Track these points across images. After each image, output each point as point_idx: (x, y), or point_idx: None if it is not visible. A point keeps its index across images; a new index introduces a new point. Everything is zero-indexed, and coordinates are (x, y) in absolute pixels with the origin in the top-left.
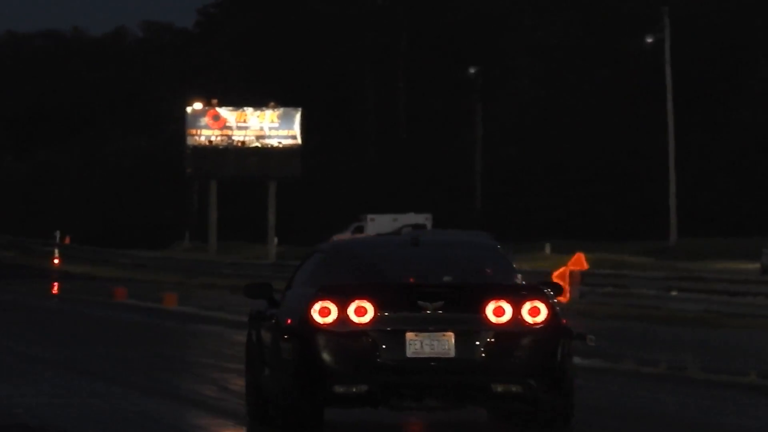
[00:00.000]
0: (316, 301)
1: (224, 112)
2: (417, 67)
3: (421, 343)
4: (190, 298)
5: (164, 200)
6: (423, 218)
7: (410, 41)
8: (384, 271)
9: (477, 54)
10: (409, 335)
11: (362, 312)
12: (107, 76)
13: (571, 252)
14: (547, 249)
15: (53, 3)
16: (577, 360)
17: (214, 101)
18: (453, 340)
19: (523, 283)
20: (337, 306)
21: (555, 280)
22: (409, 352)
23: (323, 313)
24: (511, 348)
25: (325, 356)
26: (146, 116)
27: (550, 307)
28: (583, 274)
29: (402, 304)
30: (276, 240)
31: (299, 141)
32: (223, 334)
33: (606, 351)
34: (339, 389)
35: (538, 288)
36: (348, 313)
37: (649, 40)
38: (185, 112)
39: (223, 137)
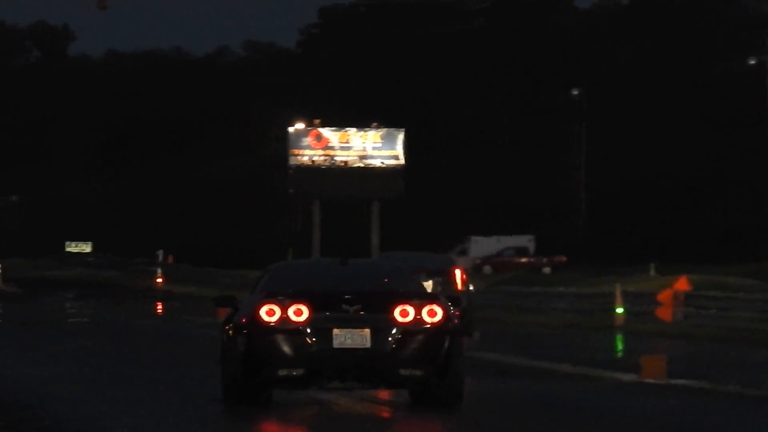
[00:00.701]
0: (263, 305)
1: (327, 132)
2: (519, 87)
3: (345, 337)
4: None
5: (267, 220)
6: (526, 240)
7: (512, 61)
8: (317, 283)
9: (580, 75)
10: (336, 331)
11: (299, 313)
12: (209, 95)
13: (676, 273)
14: (652, 270)
15: (155, 23)
16: (680, 381)
17: (317, 121)
18: (369, 335)
19: (424, 291)
20: (279, 308)
21: (660, 299)
22: (335, 343)
23: (269, 313)
24: (414, 341)
25: (270, 347)
26: (247, 136)
27: (445, 311)
28: (687, 296)
29: (330, 307)
30: None
31: (402, 161)
32: None
33: (708, 373)
34: (282, 372)
35: (436, 296)
36: (288, 313)
37: (752, 62)
38: (287, 132)
39: (326, 157)
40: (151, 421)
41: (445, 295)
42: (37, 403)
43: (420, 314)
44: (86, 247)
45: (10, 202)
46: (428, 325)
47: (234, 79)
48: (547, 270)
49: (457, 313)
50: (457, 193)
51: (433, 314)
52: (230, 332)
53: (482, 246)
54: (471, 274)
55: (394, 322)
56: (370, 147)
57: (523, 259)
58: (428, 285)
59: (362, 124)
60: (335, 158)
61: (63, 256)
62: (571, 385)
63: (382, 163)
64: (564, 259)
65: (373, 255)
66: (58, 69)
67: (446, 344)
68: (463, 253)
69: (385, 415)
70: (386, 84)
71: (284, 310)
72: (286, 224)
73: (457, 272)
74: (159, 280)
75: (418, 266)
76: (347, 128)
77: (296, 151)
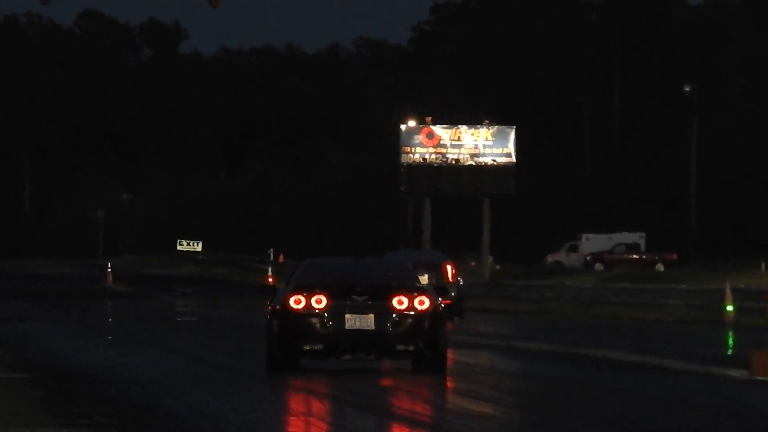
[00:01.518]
0: (292, 295)
1: (438, 129)
2: (632, 84)
3: (354, 320)
4: None
5: (378, 217)
6: (637, 237)
7: (625, 57)
8: (335, 277)
9: (692, 70)
10: (347, 316)
11: (320, 302)
12: (321, 92)
13: None
14: (763, 267)
15: (268, 20)
16: None
17: (428, 119)
18: (373, 319)
19: (417, 285)
20: (305, 298)
21: None
22: (347, 325)
23: (296, 302)
24: (407, 324)
25: (297, 328)
26: (360, 132)
27: (432, 300)
28: None
29: (343, 297)
30: (491, 258)
31: (514, 159)
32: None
33: None
34: (306, 347)
35: (425, 288)
36: (311, 302)
37: None
38: (399, 129)
39: (438, 155)
40: (264, 417)
41: (436, 286)
42: (150, 399)
43: (412, 303)
44: (197, 246)
45: (123, 200)
46: (419, 312)
47: (346, 75)
48: (659, 267)
49: (447, 301)
50: (568, 189)
51: (422, 303)
52: (268, 316)
53: (593, 243)
54: (461, 269)
55: (392, 309)
56: (482, 144)
57: (634, 256)
58: (424, 278)
59: (474, 121)
60: (447, 156)
61: (174, 254)
62: (682, 380)
63: (494, 160)
64: (674, 256)
65: (484, 252)
66: (170, 67)
67: (433, 326)
68: (574, 249)
69: (383, 380)
70: (498, 80)
71: (308, 299)
72: (397, 221)
73: (448, 267)
74: (270, 278)
75: (418, 262)
76: (459, 125)
77: (408, 149)
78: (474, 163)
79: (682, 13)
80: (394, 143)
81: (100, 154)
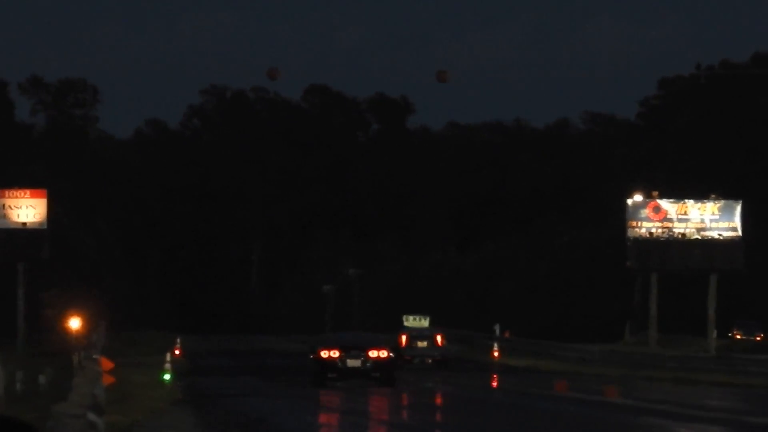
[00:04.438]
0: (322, 350)
1: (665, 203)
2: None
3: (351, 363)
4: (633, 390)
5: (609, 293)
6: None
7: None
8: (343, 341)
9: None
10: (348, 360)
11: (335, 353)
12: (550, 167)
13: None
14: None
15: (495, 94)
16: None
17: (655, 193)
18: (360, 362)
19: (382, 344)
20: (328, 351)
21: None
22: (348, 365)
23: (323, 353)
24: (378, 364)
25: (324, 366)
26: (592, 209)
27: (389, 351)
28: None
29: (346, 351)
30: (715, 333)
31: (740, 233)
32: (667, 427)
33: None
34: (330, 375)
35: (386, 344)
36: (331, 353)
37: None
38: (626, 204)
39: (664, 229)
40: None
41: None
42: None
43: (378, 353)
44: (425, 322)
45: (351, 275)
46: (381, 358)
47: (576, 150)
48: None
49: (437, 359)
50: None
51: (382, 352)
52: (312, 359)
53: None
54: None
55: (369, 357)
56: (708, 219)
57: None
58: (424, 343)
59: (700, 195)
60: (673, 230)
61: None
62: None
63: (720, 235)
64: None
65: (709, 328)
66: (398, 141)
67: (389, 364)
68: None
69: (370, 389)
70: (725, 155)
71: (329, 351)
72: (624, 297)
73: (438, 337)
74: (495, 353)
75: (420, 334)
76: (685, 200)
77: (634, 223)
78: (700, 238)
79: None
80: (622, 217)
81: (331, 231)
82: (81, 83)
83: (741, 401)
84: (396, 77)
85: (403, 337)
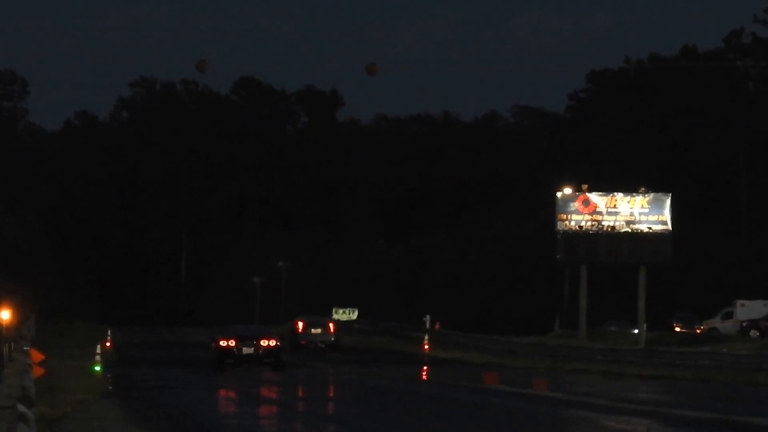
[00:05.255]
0: (221, 340)
1: (594, 197)
2: None
3: (245, 350)
4: (561, 383)
5: (536, 286)
6: None
7: None
8: (239, 332)
9: None
10: (243, 348)
11: (233, 342)
12: (479, 160)
13: None
14: None
15: (423, 87)
16: None
17: (584, 186)
18: (253, 349)
19: (271, 335)
20: (225, 341)
21: None
22: (244, 352)
23: (222, 342)
24: (268, 351)
25: (223, 354)
26: (519, 201)
27: (277, 340)
28: None
29: (241, 340)
30: (645, 326)
31: (669, 226)
32: (593, 420)
33: None
34: (228, 361)
35: (274, 334)
36: (228, 342)
37: None
38: (555, 197)
39: (593, 222)
40: None
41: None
42: None
43: (269, 341)
44: (353, 314)
45: (279, 267)
46: (271, 346)
47: (504, 144)
48: None
49: (278, 343)
50: (726, 257)
51: (272, 341)
52: (213, 348)
53: (748, 309)
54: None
55: (260, 345)
56: (638, 212)
57: None
58: (318, 330)
59: (630, 189)
60: (602, 223)
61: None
62: None
63: (649, 228)
64: None
65: (639, 320)
66: (327, 134)
67: (277, 351)
68: (729, 316)
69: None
70: (656, 149)
71: (227, 341)
72: (554, 290)
73: (330, 324)
74: (425, 346)
75: (316, 322)
76: (615, 193)
77: (564, 216)
78: (630, 230)
79: None
80: (551, 212)
81: (260, 223)
82: (10, 75)
83: (667, 394)
84: (325, 70)
85: (300, 324)
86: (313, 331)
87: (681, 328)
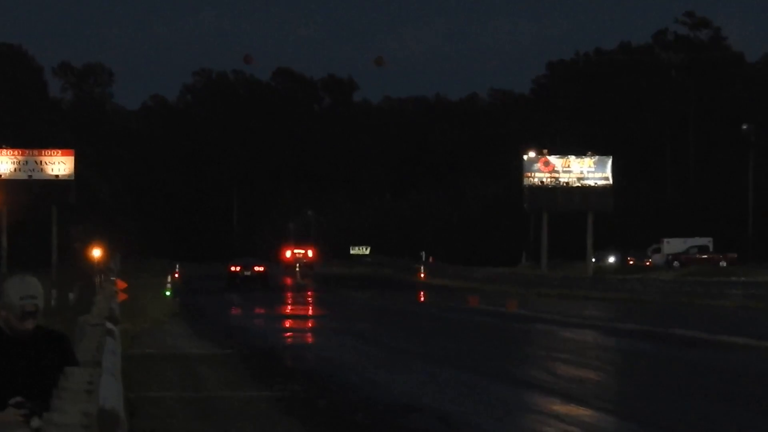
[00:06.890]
0: (231, 266)
1: (553, 159)
2: (705, 126)
3: (246, 273)
4: (527, 304)
5: (509, 229)
6: (706, 241)
7: (698, 104)
8: (243, 260)
9: (750, 114)
10: (245, 271)
11: (239, 268)
12: (464, 132)
13: None
14: None
15: (421, 72)
16: None
17: (545, 151)
18: (251, 273)
19: (261, 263)
20: (233, 266)
21: None
22: (246, 273)
23: (233, 268)
24: (259, 274)
25: (232, 276)
26: (494, 164)
27: (265, 267)
28: None
29: (244, 266)
30: (593, 260)
31: (611, 182)
32: (553, 331)
33: None
34: (236, 281)
35: (263, 263)
36: (235, 268)
37: None
38: (522, 159)
39: (552, 179)
40: (423, 378)
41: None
42: (330, 372)
43: (261, 268)
44: (366, 251)
45: (308, 216)
46: (261, 271)
47: (482, 118)
48: (723, 264)
49: (266, 270)
50: (655, 207)
51: (261, 267)
52: (226, 271)
53: (672, 246)
54: (662, 266)
55: (255, 270)
56: (586, 170)
57: (704, 256)
58: (300, 253)
59: (580, 152)
60: (559, 179)
61: (348, 258)
62: (742, 353)
63: (596, 183)
64: (735, 255)
65: (588, 255)
66: (345, 113)
67: (265, 275)
68: (657, 251)
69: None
70: (602, 122)
71: (235, 266)
72: (523, 232)
73: (310, 252)
74: (422, 275)
75: (300, 259)
76: (568, 156)
77: (529, 175)
78: (580, 185)
79: (746, 69)
80: (519, 172)
81: (294, 182)
82: (99, 67)
83: (609, 311)
84: (344, 62)
85: (287, 252)
86: (297, 255)
87: (634, 260)
